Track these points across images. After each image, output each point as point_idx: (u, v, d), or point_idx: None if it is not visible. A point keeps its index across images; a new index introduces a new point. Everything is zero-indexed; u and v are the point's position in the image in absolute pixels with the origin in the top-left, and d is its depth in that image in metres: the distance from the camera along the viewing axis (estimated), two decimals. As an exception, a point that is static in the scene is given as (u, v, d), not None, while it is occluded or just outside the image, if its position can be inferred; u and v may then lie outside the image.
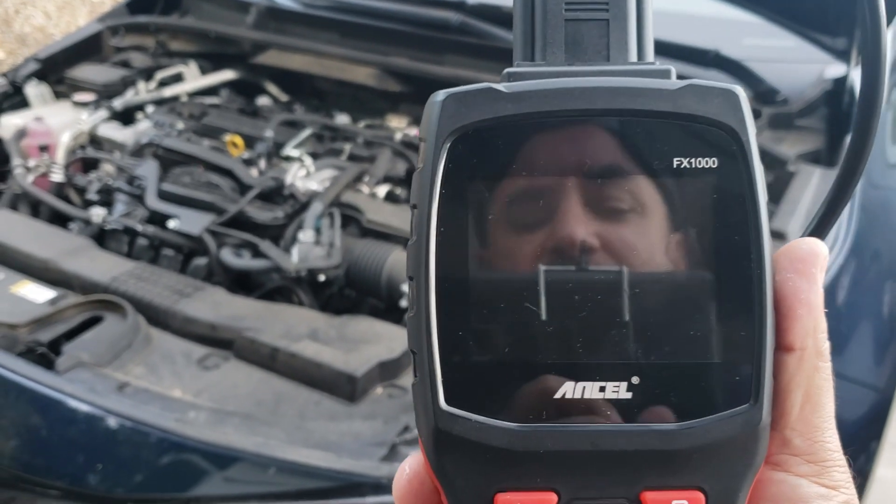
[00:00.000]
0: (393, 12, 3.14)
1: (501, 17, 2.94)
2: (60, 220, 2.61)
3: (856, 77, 2.53)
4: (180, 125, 3.00)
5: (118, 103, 3.15)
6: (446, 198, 0.44)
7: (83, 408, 1.69)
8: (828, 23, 2.76)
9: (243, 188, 2.62)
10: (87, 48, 3.43)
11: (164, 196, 2.57)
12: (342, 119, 3.14)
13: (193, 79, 3.40)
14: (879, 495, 2.18)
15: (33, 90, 3.21)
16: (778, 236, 1.96)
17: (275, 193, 2.59)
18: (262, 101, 3.32)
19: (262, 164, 2.76)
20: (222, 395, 1.81)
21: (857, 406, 1.96)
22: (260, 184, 2.59)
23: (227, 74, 3.43)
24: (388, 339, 1.95)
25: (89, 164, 2.94)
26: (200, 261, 2.39)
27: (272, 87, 3.42)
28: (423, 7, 3.10)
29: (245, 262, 2.32)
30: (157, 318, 2.05)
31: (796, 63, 2.80)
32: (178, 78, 3.37)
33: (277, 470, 1.57)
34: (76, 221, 2.58)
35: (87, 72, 3.32)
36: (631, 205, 0.44)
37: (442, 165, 0.44)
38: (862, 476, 1.92)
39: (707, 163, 0.44)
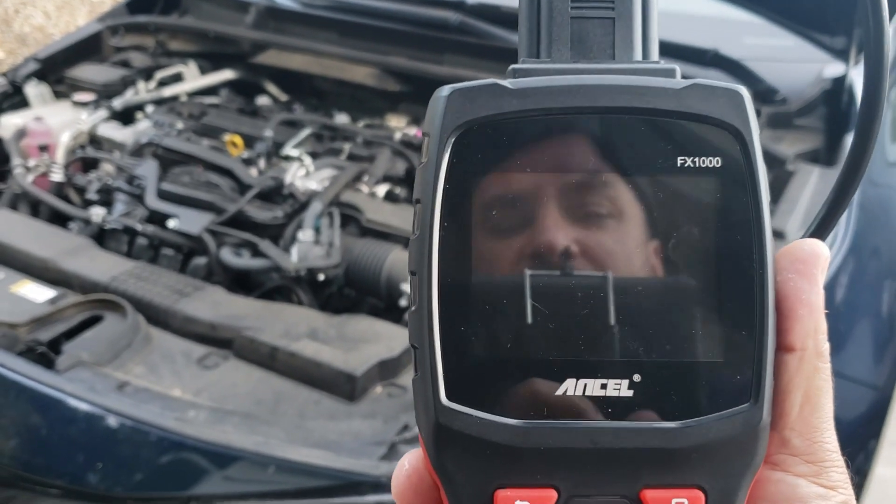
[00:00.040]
0: (392, 12, 3.14)
1: (501, 17, 2.94)
2: (60, 219, 2.61)
3: (855, 76, 2.53)
4: (180, 125, 3.00)
5: (118, 103, 3.15)
6: (450, 193, 0.44)
7: (83, 407, 1.69)
8: (827, 22, 2.76)
9: (243, 188, 2.62)
10: (87, 48, 3.43)
11: (163, 196, 2.57)
12: (341, 119, 3.14)
13: (193, 78, 3.40)
14: (878, 494, 2.18)
15: (33, 90, 3.21)
16: (777, 235, 1.96)
17: (274, 193, 2.59)
18: (262, 100, 3.32)
19: (262, 163, 2.76)
20: (222, 394, 1.81)
21: (856, 405, 1.96)
22: (259, 183, 2.59)
23: (227, 74, 3.43)
24: (388, 339, 1.95)
25: (89, 164, 2.94)
26: (200, 260, 2.39)
27: (271, 87, 3.42)
28: (423, 7, 3.10)
29: (244, 261, 2.32)
30: (157, 317, 2.05)
31: (795, 62, 2.80)
32: (177, 78, 3.37)
33: (277, 469, 1.57)
34: (76, 221, 2.58)
35: (87, 71, 3.32)
36: (634, 203, 0.44)
37: (446, 160, 0.44)
38: (861, 475, 1.92)
39: (711, 162, 0.44)
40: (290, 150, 2.81)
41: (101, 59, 3.45)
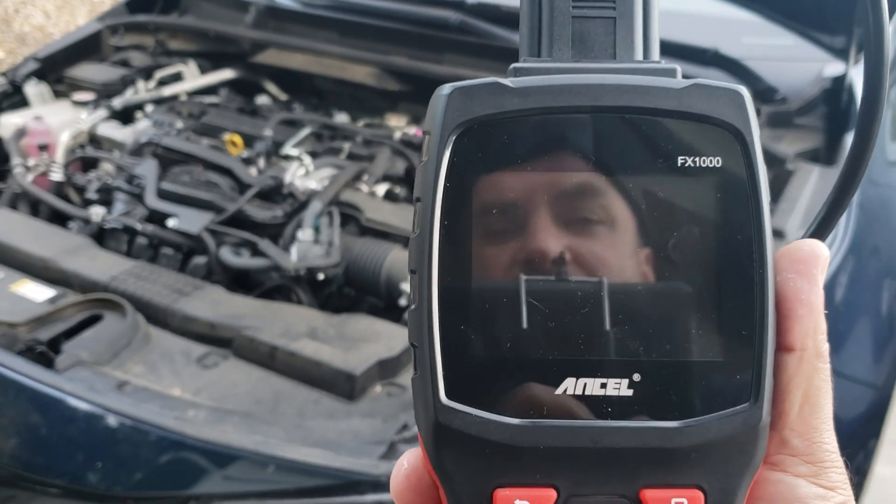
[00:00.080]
0: (392, 11, 3.14)
1: (500, 16, 2.93)
2: (60, 219, 2.61)
3: (855, 75, 2.53)
4: (179, 124, 3.00)
5: (117, 102, 3.14)
6: (451, 191, 0.44)
7: (83, 406, 1.69)
8: (827, 21, 2.76)
9: (242, 187, 2.62)
10: (87, 47, 3.43)
11: (163, 195, 2.57)
12: (341, 118, 3.14)
13: (193, 78, 3.40)
14: (878, 493, 2.19)
15: (33, 89, 3.21)
16: (776, 234, 1.96)
17: (274, 192, 2.59)
18: (262, 100, 3.32)
19: (262, 162, 2.76)
20: (221, 393, 1.81)
21: (856, 404, 1.96)
22: (259, 182, 2.59)
23: (227, 73, 3.43)
24: (387, 338, 1.95)
25: (89, 164, 2.94)
26: (200, 259, 2.39)
27: (271, 86, 3.42)
28: (423, 6, 3.10)
29: (244, 260, 2.32)
30: (157, 316, 2.05)
31: (795, 61, 2.79)
32: (177, 77, 3.37)
33: (276, 468, 1.57)
34: (75, 220, 2.58)
35: (87, 71, 3.32)
36: (634, 201, 0.44)
37: (447, 159, 0.44)
38: (860, 474, 1.92)
39: (711, 162, 0.44)
40: (289, 149, 2.81)
41: (101, 59, 3.46)
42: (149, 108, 3.18)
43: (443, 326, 0.44)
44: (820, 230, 0.52)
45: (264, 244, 2.34)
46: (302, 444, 1.62)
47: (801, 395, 0.44)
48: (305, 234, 2.33)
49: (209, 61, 3.47)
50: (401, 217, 2.43)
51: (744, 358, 0.43)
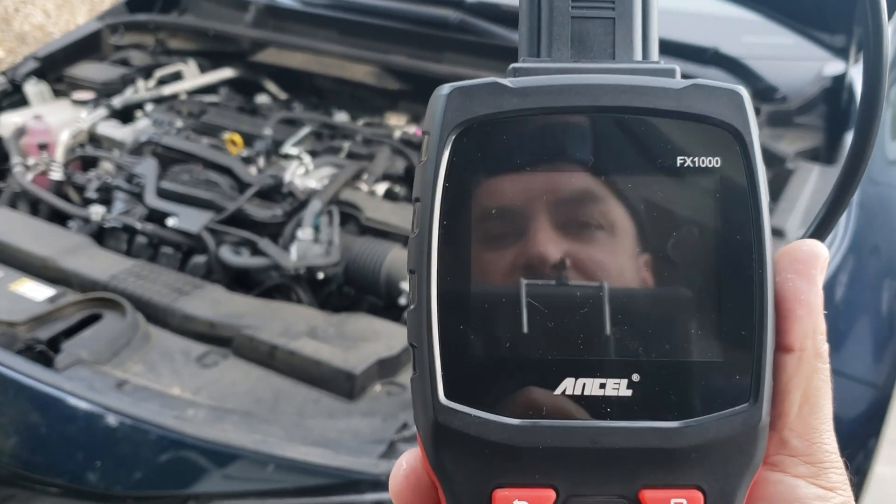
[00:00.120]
0: (392, 10, 3.14)
1: (500, 15, 2.93)
2: (59, 218, 2.61)
3: (855, 74, 2.53)
4: (179, 123, 3.00)
5: (117, 101, 3.14)
6: (449, 191, 0.44)
7: (82, 405, 1.69)
8: (826, 20, 2.76)
9: (242, 186, 2.62)
10: (87, 46, 3.43)
11: (162, 194, 2.57)
12: (341, 117, 3.13)
13: (192, 77, 3.40)
14: (878, 493, 2.19)
15: (32, 88, 3.20)
16: (776, 233, 1.96)
17: (273, 191, 2.59)
18: (261, 99, 3.32)
19: (261, 161, 2.76)
20: (221, 392, 1.81)
21: (856, 403, 1.96)
22: (259, 182, 2.59)
23: (226, 72, 3.43)
24: (387, 337, 1.95)
25: (88, 163, 2.94)
26: (199, 259, 2.39)
27: (271, 85, 3.42)
28: (422, 5, 3.10)
29: (244, 259, 2.32)
30: (156, 315, 2.05)
31: (795, 60, 2.79)
32: (177, 76, 3.37)
33: (276, 467, 1.57)
34: (75, 219, 2.58)
35: (87, 70, 3.31)
36: (634, 201, 0.44)
37: (446, 159, 0.44)
38: (860, 474, 1.92)
39: (710, 162, 0.44)
40: (289, 148, 2.81)
41: (101, 58, 3.45)
42: (148, 107, 3.18)
43: (442, 327, 0.44)
44: (820, 230, 0.52)
45: (264, 243, 2.34)
46: (301, 443, 1.62)
47: (801, 395, 0.44)
48: (305, 234, 2.33)
49: (209, 60, 3.47)
50: (400, 216, 2.42)
51: (743, 358, 0.43)
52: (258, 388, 1.84)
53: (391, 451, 1.60)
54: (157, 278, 2.17)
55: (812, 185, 2.21)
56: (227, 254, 2.32)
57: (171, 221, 2.45)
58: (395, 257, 2.25)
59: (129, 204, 2.59)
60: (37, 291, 2.09)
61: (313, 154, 2.78)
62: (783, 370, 0.44)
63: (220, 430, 1.63)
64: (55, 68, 3.30)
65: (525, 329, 0.44)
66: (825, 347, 0.45)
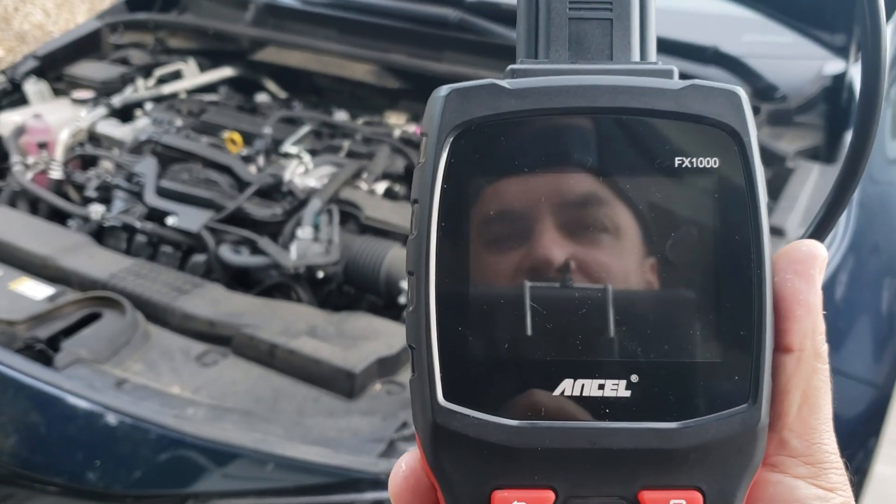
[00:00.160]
0: (391, 9, 3.14)
1: (500, 14, 2.93)
2: (59, 217, 2.61)
3: (855, 73, 2.53)
4: (179, 122, 2.99)
5: (117, 100, 3.14)
6: (448, 193, 0.44)
7: (82, 404, 1.69)
8: (827, 19, 2.76)
9: (242, 185, 2.62)
10: (86, 45, 3.43)
11: (162, 193, 2.57)
12: (341, 116, 3.13)
13: (192, 76, 3.40)
14: (878, 492, 2.19)
15: (32, 87, 3.20)
16: (776, 232, 1.96)
17: (273, 190, 2.59)
18: (261, 97, 3.32)
19: (261, 160, 2.76)
20: (221, 391, 1.81)
21: (856, 403, 1.96)
22: (258, 180, 2.59)
23: (226, 71, 3.43)
24: (387, 336, 1.95)
25: (88, 162, 2.94)
26: (199, 257, 2.38)
27: (271, 84, 3.42)
28: (422, 4, 3.09)
29: (243, 258, 2.32)
30: (156, 314, 2.05)
31: (795, 59, 2.79)
32: (176, 75, 3.37)
33: (276, 466, 1.57)
34: (75, 218, 2.58)
35: (86, 69, 3.31)
36: (631, 202, 0.44)
37: (444, 160, 0.44)
38: (860, 473, 1.92)
39: (708, 162, 0.44)
40: (289, 147, 2.81)
41: (101, 57, 3.45)
42: (148, 106, 3.17)
43: (440, 328, 0.44)
44: (820, 229, 0.52)
45: (264, 242, 2.34)
46: (301, 441, 1.62)
47: (800, 395, 0.44)
48: (305, 232, 2.33)
49: (209, 59, 3.47)
50: (400, 215, 2.42)
51: (742, 359, 0.43)
52: (258, 386, 1.84)
53: (391, 450, 1.60)
54: (156, 277, 2.17)
55: (812, 184, 2.21)
56: (226, 253, 2.32)
57: (170, 220, 2.45)
58: (395, 256, 2.25)
59: (129, 203, 2.59)
60: (36, 290, 2.09)
61: (313, 153, 2.78)
62: (782, 370, 0.44)
63: (220, 429, 1.63)
64: (55, 67, 3.29)
65: (523, 330, 0.44)
66: (824, 348, 0.45)
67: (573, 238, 0.44)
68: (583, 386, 0.43)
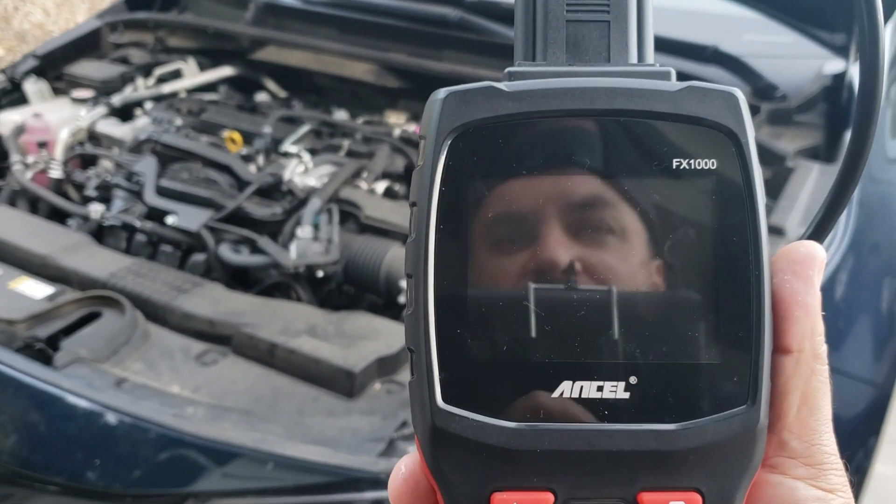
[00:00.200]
0: (391, 8, 3.13)
1: (499, 14, 2.93)
2: (59, 216, 2.61)
3: (854, 72, 2.53)
4: (179, 121, 2.99)
5: (117, 100, 3.14)
6: (446, 196, 0.44)
7: (81, 403, 1.69)
8: (826, 19, 2.76)
9: (241, 184, 2.62)
10: (86, 45, 3.43)
11: (162, 192, 2.57)
12: (340, 115, 3.13)
13: (192, 75, 3.40)
14: (878, 492, 2.18)
15: (32, 87, 3.20)
16: (777, 232, 1.96)
17: (273, 189, 2.59)
18: (261, 97, 3.32)
19: (261, 160, 2.76)
20: (220, 390, 1.81)
21: (856, 402, 1.96)
22: (258, 180, 2.59)
23: (226, 71, 3.43)
24: (387, 335, 1.95)
25: (88, 161, 2.94)
26: (199, 257, 2.38)
27: (270, 84, 3.42)
28: (422, 3, 3.09)
29: (243, 257, 2.32)
30: (156, 313, 2.05)
31: (795, 59, 2.79)
32: (176, 74, 3.37)
33: (276, 465, 1.57)
34: (74, 218, 2.58)
35: (86, 68, 3.31)
36: (630, 204, 0.44)
37: (442, 163, 0.44)
38: (860, 473, 1.92)
39: (706, 164, 0.44)
40: (288, 146, 2.81)
41: (100, 56, 3.45)
42: (148, 105, 3.17)
43: (439, 331, 0.44)
44: (820, 229, 0.52)
45: (263, 241, 2.34)
46: (301, 441, 1.62)
47: (800, 396, 0.44)
48: (305, 232, 2.33)
49: (208, 58, 3.47)
50: (400, 214, 2.42)
51: (741, 360, 0.43)
52: (257, 386, 1.84)
53: (390, 450, 1.60)
54: (156, 276, 2.17)
55: (812, 183, 2.21)
56: (226, 252, 2.32)
57: (170, 219, 2.45)
58: (395, 255, 2.25)
59: (129, 202, 2.59)
60: (36, 289, 2.09)
61: (313, 152, 2.78)
62: (781, 372, 0.44)
63: (220, 429, 1.63)
64: (55, 66, 3.29)
65: (522, 332, 0.44)
66: (823, 348, 0.45)
67: (575, 240, 0.44)
68: (582, 388, 0.43)
